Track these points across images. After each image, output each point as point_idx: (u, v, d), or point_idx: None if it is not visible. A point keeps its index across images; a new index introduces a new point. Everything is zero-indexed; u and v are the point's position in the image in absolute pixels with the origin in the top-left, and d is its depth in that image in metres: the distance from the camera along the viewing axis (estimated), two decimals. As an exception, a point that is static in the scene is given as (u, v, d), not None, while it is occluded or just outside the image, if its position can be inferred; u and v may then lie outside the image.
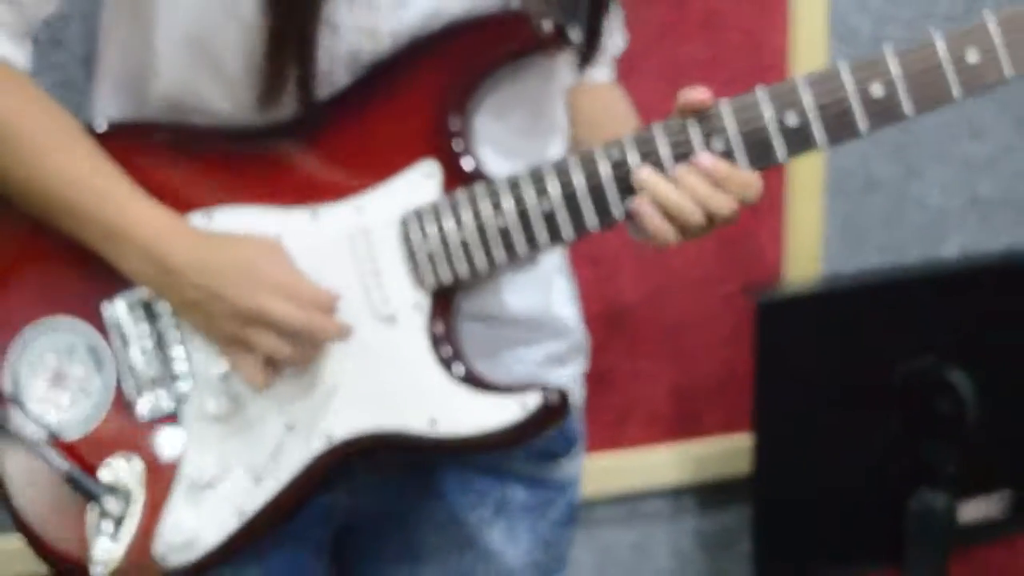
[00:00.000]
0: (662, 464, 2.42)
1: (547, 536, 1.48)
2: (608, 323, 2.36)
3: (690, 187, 1.27)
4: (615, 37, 1.53)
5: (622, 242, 2.32)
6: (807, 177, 2.41)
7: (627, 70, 2.28)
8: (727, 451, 2.42)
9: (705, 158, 1.27)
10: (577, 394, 1.50)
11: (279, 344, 1.29)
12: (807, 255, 2.43)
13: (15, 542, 1.41)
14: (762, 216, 2.40)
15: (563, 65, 1.39)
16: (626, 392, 2.39)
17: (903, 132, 2.46)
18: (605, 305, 2.36)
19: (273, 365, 1.32)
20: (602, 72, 1.54)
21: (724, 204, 1.28)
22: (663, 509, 2.46)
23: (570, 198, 1.30)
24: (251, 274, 1.29)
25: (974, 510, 2.36)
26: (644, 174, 1.28)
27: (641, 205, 1.29)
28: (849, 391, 2.27)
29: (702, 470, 2.44)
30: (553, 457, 1.48)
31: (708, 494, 2.48)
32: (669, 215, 1.28)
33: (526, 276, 1.41)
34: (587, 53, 1.39)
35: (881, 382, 2.27)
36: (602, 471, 2.37)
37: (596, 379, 2.37)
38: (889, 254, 2.49)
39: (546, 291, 1.45)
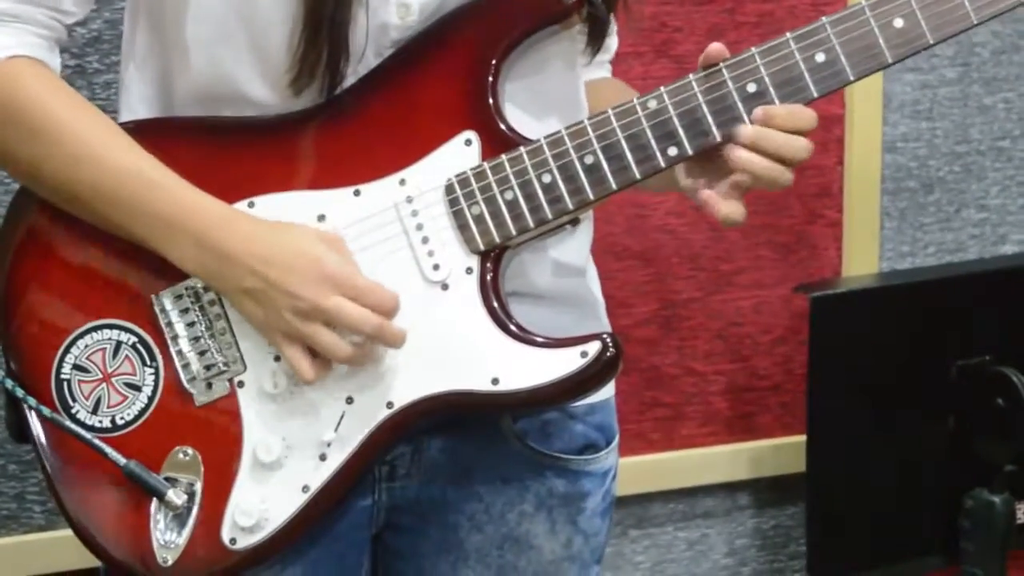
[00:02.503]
0: (717, 462, 2.43)
1: (586, 528, 1.48)
2: (663, 323, 2.37)
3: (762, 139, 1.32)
4: (613, 37, 1.56)
5: (677, 242, 2.35)
6: (865, 177, 2.41)
7: (679, 73, 2.28)
8: (782, 449, 2.42)
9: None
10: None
11: (339, 343, 1.30)
12: (865, 256, 2.43)
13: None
14: (820, 218, 2.40)
15: (581, 35, 1.41)
16: (681, 391, 2.40)
17: (961, 131, 2.46)
18: (660, 304, 2.37)
19: (323, 358, 1.32)
20: (604, 71, 1.57)
21: (801, 148, 1.32)
22: (719, 507, 2.47)
23: (611, 148, 1.33)
24: (319, 271, 1.29)
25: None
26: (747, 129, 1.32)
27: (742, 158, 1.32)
28: (904, 388, 2.26)
29: (757, 468, 2.44)
30: (594, 450, 1.48)
31: (764, 492, 2.48)
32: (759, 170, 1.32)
33: (565, 254, 1.42)
34: (602, 25, 1.41)
35: (936, 379, 2.26)
36: (658, 469, 2.38)
37: (651, 378, 2.40)
38: (947, 254, 2.49)
39: (582, 271, 1.47)
